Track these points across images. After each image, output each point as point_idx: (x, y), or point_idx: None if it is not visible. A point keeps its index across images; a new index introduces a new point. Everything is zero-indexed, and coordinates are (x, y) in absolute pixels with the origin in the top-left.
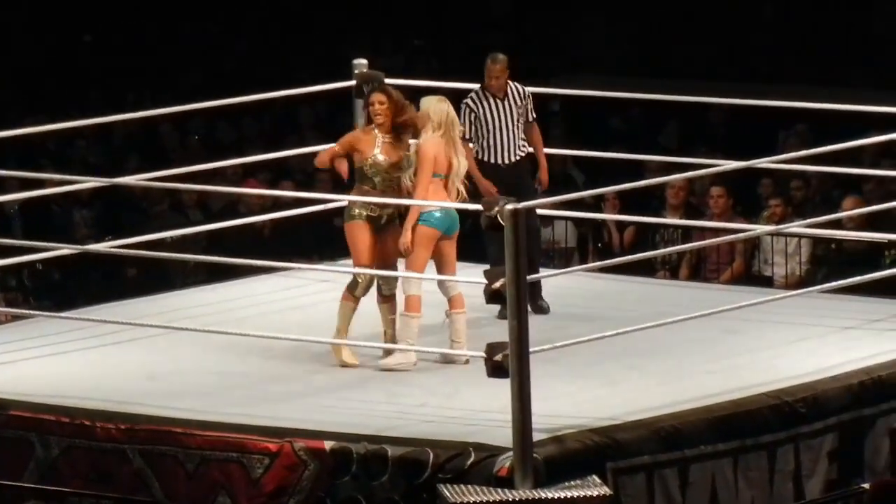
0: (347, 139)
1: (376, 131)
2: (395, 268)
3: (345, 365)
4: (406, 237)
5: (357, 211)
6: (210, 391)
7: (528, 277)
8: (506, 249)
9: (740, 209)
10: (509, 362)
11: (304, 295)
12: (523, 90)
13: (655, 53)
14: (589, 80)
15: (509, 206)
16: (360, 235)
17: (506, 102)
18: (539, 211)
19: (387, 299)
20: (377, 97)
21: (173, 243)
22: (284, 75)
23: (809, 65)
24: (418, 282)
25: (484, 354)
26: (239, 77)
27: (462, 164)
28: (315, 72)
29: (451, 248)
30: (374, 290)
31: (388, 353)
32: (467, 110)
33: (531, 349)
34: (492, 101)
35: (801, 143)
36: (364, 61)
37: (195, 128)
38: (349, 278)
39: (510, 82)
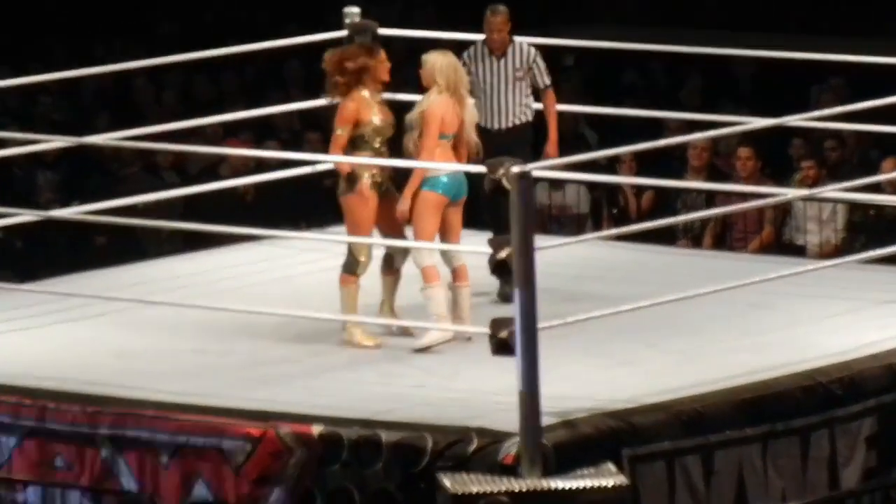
0: (349, 117)
1: (365, 93)
2: (403, 238)
3: (363, 347)
4: (404, 204)
5: (361, 180)
6: (187, 371)
7: (537, 247)
8: (511, 215)
9: (769, 172)
10: (515, 339)
11: (291, 266)
12: (529, 51)
13: (676, 1)
14: (603, 31)
15: (516, 168)
16: (362, 206)
17: (503, 62)
18: (549, 173)
19: (394, 272)
20: (382, 54)
21: (146, 209)
22: (269, 25)
23: (846, 13)
24: (430, 252)
25: (488, 330)
26: (219, 27)
27: (473, 118)
28: (303, 22)
29: (456, 215)
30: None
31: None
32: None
33: (540, 325)
34: (489, 59)
35: (837, 100)
36: (356, 10)
37: (172, 83)
38: (341, 248)
39: (515, 40)
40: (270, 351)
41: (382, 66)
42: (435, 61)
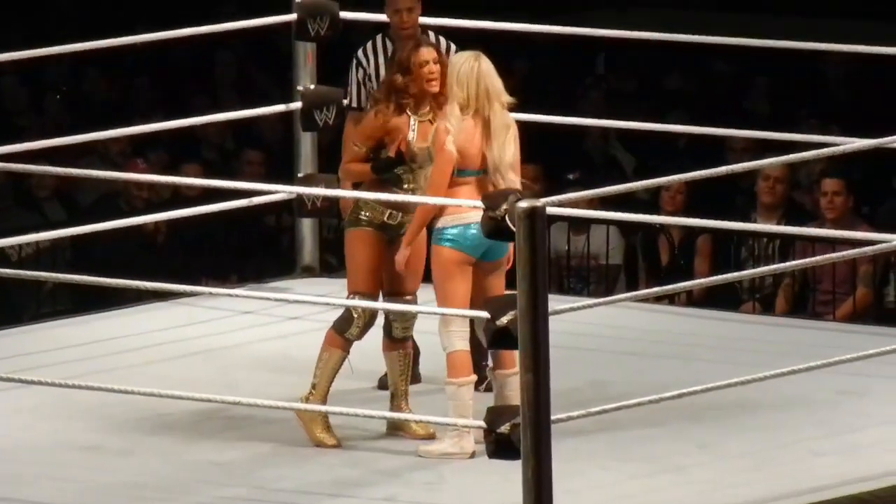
0: (374, 126)
1: (407, 110)
2: (412, 298)
3: (320, 445)
4: (402, 254)
5: (365, 214)
6: (69, 475)
7: (551, 310)
8: (518, 266)
9: (867, 211)
10: (520, 435)
11: (217, 333)
12: (448, 47)
13: None
14: (641, 18)
15: (524, 203)
16: (363, 248)
17: None
18: (569, 211)
19: (398, 343)
20: (429, 54)
21: (22, 255)
22: (193, 4)
23: None
24: (462, 333)
25: (483, 424)
26: (123, 5)
27: (508, 152)
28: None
29: (496, 279)
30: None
31: (395, 425)
32: (355, 66)
33: (553, 416)
34: (390, 55)
35: None
36: None
37: (56, 81)
38: (286, 310)
39: (429, 32)
40: (181, 446)
41: (420, 72)
42: (454, 65)
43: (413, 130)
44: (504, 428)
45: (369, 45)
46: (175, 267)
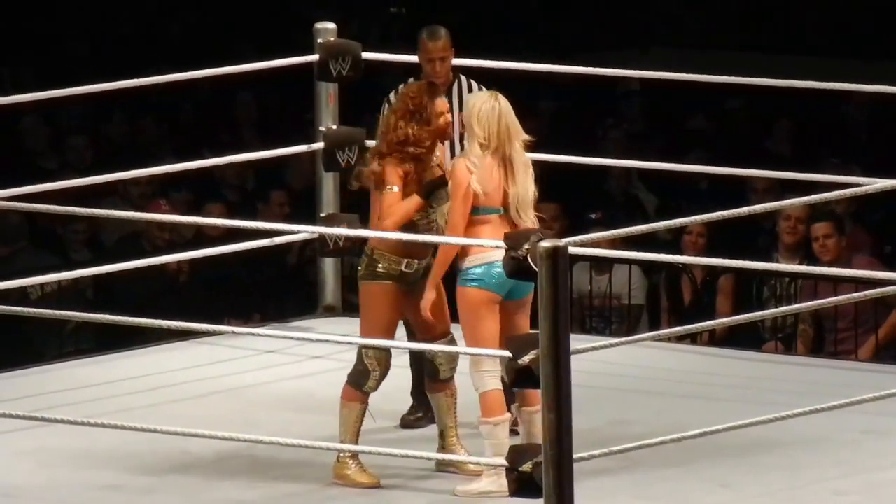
0: (398, 172)
1: (434, 159)
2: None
3: (360, 486)
4: (427, 299)
5: (382, 266)
6: None
7: (574, 349)
8: (540, 305)
9: (890, 251)
10: (542, 474)
11: (238, 372)
12: (479, 90)
13: (762, 18)
14: (664, 57)
15: (546, 243)
16: (380, 303)
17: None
18: (591, 251)
19: (444, 385)
20: (444, 105)
21: (43, 295)
22: (213, 46)
23: None
24: (494, 372)
25: (504, 462)
26: (144, 47)
27: (529, 190)
28: (260, 41)
29: (521, 317)
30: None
31: (447, 464)
32: (386, 108)
33: (576, 455)
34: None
35: None
36: (331, 26)
37: (77, 122)
38: (309, 350)
39: (461, 77)
40: (209, 488)
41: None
42: (473, 105)
43: (430, 166)
44: (526, 466)
45: (402, 88)
46: (198, 306)
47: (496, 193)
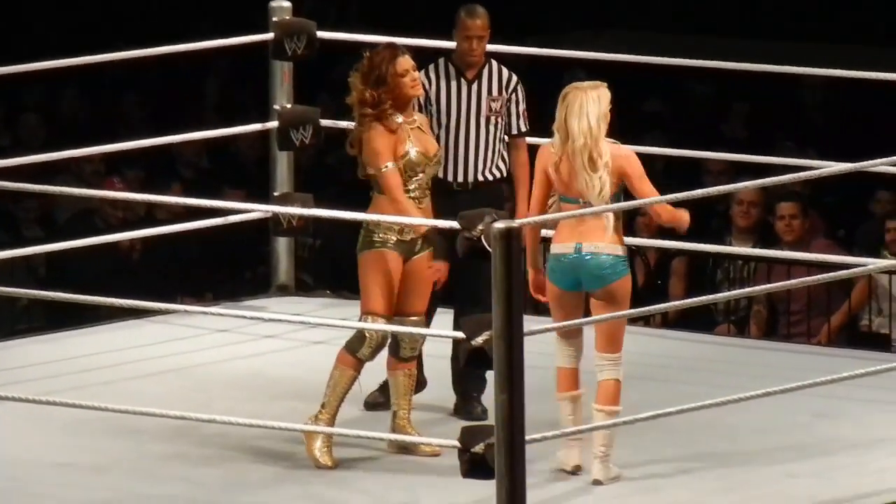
0: (384, 145)
1: (400, 118)
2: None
3: (317, 465)
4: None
5: (381, 235)
6: (43, 492)
7: (527, 330)
8: (493, 286)
9: (843, 234)
10: (494, 454)
11: (191, 350)
12: (510, 77)
13: (714, 2)
14: (619, 40)
15: (500, 224)
16: (383, 269)
17: (475, 88)
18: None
19: (405, 363)
20: (408, 62)
21: None
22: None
23: None
24: (562, 350)
25: (457, 444)
26: (102, 26)
27: (597, 184)
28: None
29: (603, 311)
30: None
31: (399, 446)
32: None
33: (528, 436)
34: (454, 81)
35: None
36: (286, 4)
37: (32, 99)
38: (262, 329)
39: (492, 61)
40: (161, 467)
41: (401, 80)
42: (565, 92)
43: (410, 138)
44: (478, 448)
45: (431, 67)
46: (150, 285)
47: (573, 183)
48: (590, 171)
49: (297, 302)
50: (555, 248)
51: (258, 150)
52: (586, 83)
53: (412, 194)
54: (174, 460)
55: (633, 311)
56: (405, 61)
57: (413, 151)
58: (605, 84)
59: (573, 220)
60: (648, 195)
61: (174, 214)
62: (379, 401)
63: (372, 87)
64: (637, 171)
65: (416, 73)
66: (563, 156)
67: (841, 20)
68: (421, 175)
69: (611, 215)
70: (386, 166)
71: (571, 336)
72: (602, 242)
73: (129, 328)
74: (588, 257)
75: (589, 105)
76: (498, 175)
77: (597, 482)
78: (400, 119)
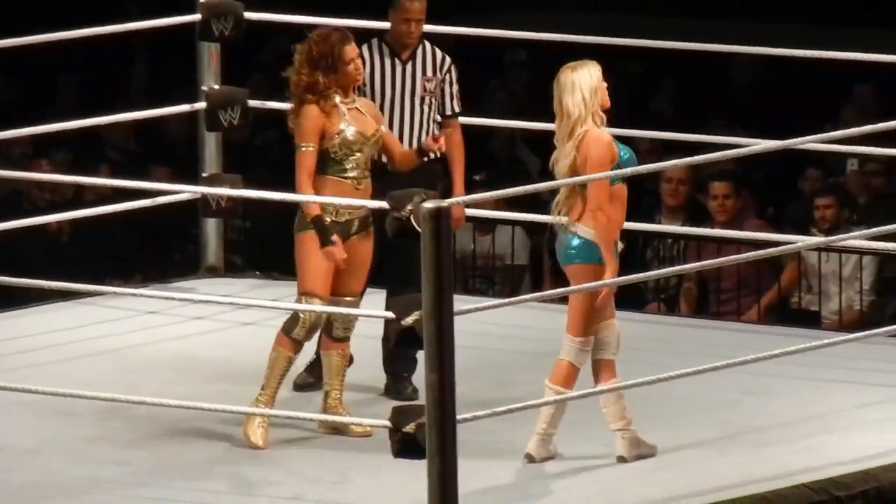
0: (313, 125)
1: (337, 99)
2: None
3: (252, 447)
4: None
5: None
6: None
7: (457, 310)
8: (423, 266)
9: (772, 213)
10: (426, 435)
11: (120, 333)
12: (444, 59)
13: None
14: (549, 19)
15: (429, 204)
16: (313, 248)
17: (409, 68)
18: (474, 211)
19: (338, 343)
20: (354, 51)
21: None
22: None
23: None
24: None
25: (388, 423)
26: (27, 9)
27: (562, 154)
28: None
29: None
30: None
31: (331, 427)
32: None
33: (459, 416)
34: (388, 61)
35: (862, 115)
36: None
37: None
38: (191, 310)
39: (426, 42)
40: (91, 449)
41: (351, 65)
42: (558, 75)
43: (346, 118)
44: (409, 427)
45: (365, 48)
46: (79, 267)
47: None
48: (564, 142)
49: (227, 283)
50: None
51: (188, 132)
52: (576, 63)
53: (350, 174)
54: (104, 443)
55: (561, 290)
56: (353, 49)
57: (349, 130)
58: (595, 62)
59: (620, 198)
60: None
61: (103, 196)
62: (308, 381)
63: (322, 73)
64: (593, 157)
65: (360, 61)
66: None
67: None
68: (358, 154)
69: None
70: (306, 146)
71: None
72: (574, 222)
73: (58, 310)
74: (561, 236)
75: (581, 80)
76: (431, 155)
77: (529, 458)
78: (337, 99)
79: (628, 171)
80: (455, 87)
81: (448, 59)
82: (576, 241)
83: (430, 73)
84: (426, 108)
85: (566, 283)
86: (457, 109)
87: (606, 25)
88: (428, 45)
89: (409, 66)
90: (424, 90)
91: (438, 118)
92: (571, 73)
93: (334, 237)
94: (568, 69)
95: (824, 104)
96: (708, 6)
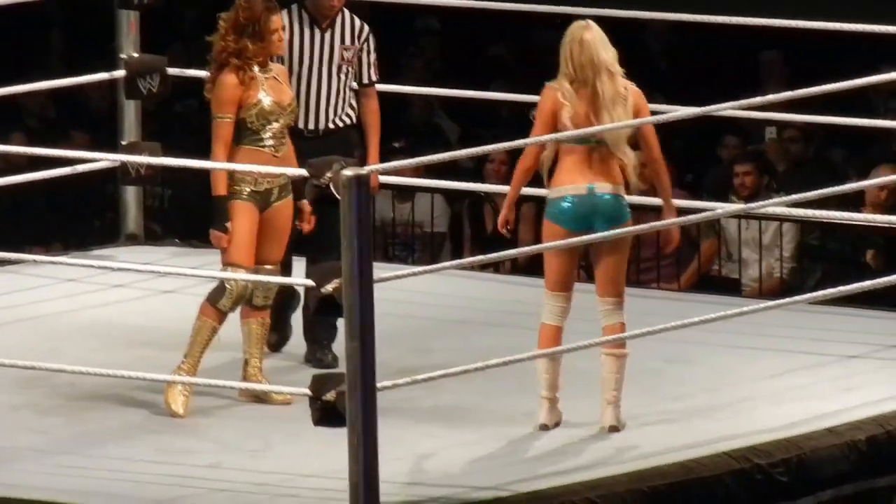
0: (231, 96)
1: (256, 69)
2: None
3: (172, 414)
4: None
5: (236, 186)
6: None
7: (376, 277)
8: (342, 234)
9: (691, 179)
10: (346, 403)
11: (39, 300)
12: (363, 28)
13: None
14: None
15: (348, 171)
16: (240, 220)
17: (327, 37)
18: (393, 179)
19: (258, 312)
20: (280, 21)
21: None
22: None
23: None
24: (550, 306)
25: (308, 391)
26: None
27: (615, 122)
28: None
29: (608, 255)
30: None
31: (251, 395)
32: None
33: (379, 384)
34: (308, 29)
35: (776, 81)
36: None
37: None
38: (108, 278)
39: (344, 10)
40: (10, 416)
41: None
42: (564, 37)
43: (263, 87)
44: (329, 395)
45: (284, 14)
46: None
47: (583, 125)
48: (614, 107)
49: (147, 251)
50: (562, 190)
51: (108, 100)
52: (581, 22)
53: (267, 143)
54: (24, 410)
55: (483, 257)
56: (278, 19)
57: (267, 100)
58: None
59: (582, 162)
60: (651, 137)
61: (17, 166)
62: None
63: (247, 39)
64: (647, 110)
65: (283, 33)
66: (583, 97)
67: None
68: (275, 124)
69: (631, 156)
70: (223, 116)
71: (566, 288)
72: (616, 184)
73: None
74: (606, 197)
75: (604, 37)
76: (348, 122)
77: (612, 429)
78: (256, 69)
79: (546, 137)
80: (373, 56)
81: (367, 28)
82: (624, 201)
83: (348, 41)
84: (343, 77)
85: (486, 251)
86: (374, 78)
87: None
88: (347, 13)
89: (327, 35)
90: (342, 59)
91: (355, 86)
92: (592, 31)
93: (228, 224)
94: (583, 28)
95: (740, 70)
96: None
